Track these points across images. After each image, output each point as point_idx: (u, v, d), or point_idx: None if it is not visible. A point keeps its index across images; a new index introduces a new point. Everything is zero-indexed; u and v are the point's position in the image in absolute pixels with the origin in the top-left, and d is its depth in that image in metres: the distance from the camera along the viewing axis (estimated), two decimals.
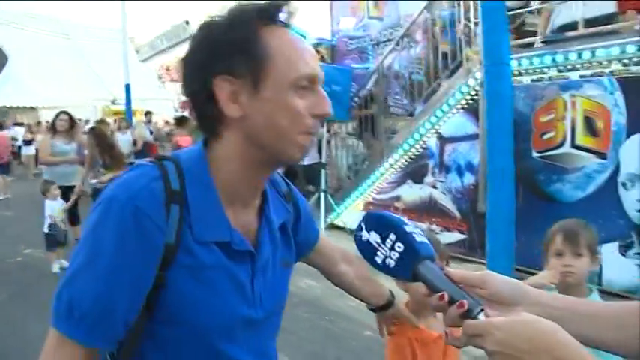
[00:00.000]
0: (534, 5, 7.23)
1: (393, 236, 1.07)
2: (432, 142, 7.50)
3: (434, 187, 7.53)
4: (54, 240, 6.98)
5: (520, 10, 7.22)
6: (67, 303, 1.08)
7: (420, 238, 1.07)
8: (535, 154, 6.15)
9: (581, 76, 5.71)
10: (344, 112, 9.19)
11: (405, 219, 1.12)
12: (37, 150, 18.63)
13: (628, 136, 5.36)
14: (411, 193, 7.94)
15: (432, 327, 2.01)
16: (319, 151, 9.50)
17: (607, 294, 5.34)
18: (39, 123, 25.48)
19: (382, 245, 1.08)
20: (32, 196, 12.22)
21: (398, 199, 8.17)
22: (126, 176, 1.17)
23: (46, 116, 14.73)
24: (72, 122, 8.28)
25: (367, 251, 1.11)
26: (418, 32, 8.59)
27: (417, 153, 7.76)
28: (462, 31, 7.49)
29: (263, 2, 1.19)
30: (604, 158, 5.54)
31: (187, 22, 15.60)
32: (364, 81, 9.53)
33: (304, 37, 1.23)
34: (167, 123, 18.18)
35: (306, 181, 10.19)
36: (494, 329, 0.92)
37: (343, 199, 9.20)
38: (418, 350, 1.95)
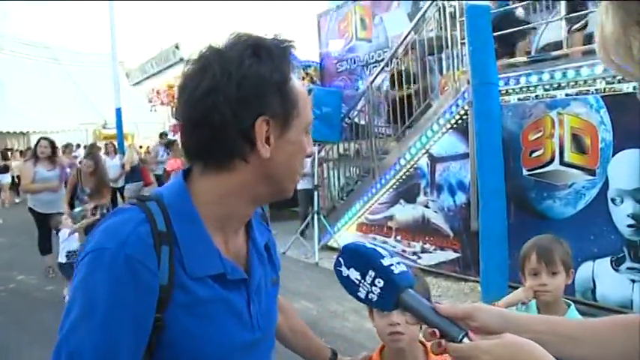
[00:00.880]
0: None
1: (371, 273, 1.11)
2: (423, 162, 7.55)
3: (426, 206, 7.57)
4: (71, 268, 6.85)
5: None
6: (68, 358, 1.07)
7: (398, 269, 1.11)
8: (525, 172, 6.20)
9: (567, 95, 5.79)
10: (335, 134, 9.25)
11: (380, 249, 1.15)
12: (15, 177, 18.58)
13: (615, 153, 5.42)
14: (404, 212, 7.97)
15: None
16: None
17: (601, 309, 5.40)
18: (29, 148, 25.45)
19: (363, 282, 1.12)
20: (24, 221, 12.19)
21: (391, 218, 8.20)
22: (110, 222, 1.15)
23: None
24: (53, 148, 8.20)
25: (349, 287, 1.14)
26: (405, 54, 8.69)
27: (409, 173, 7.81)
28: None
29: (285, 46, 1.20)
30: (593, 175, 5.60)
31: (177, 47, 15.69)
32: (354, 102, 9.61)
33: None
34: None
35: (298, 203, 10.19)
36: (481, 353, 1.01)
37: (336, 220, 9.25)
38: None
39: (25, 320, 6.18)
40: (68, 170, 8.84)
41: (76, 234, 6.63)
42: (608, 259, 5.50)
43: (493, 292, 5.51)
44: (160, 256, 1.11)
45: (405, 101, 8.21)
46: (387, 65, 8.75)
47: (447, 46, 7.59)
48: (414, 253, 7.76)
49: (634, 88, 3.58)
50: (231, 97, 1.12)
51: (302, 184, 9.45)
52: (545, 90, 5.99)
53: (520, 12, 7.31)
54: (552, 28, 6.78)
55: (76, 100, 32.21)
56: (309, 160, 9.75)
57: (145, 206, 1.16)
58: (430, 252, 7.48)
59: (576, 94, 5.71)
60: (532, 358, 0.99)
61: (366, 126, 9.15)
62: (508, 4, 7.35)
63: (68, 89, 33.13)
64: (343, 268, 1.15)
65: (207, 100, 1.13)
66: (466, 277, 7.00)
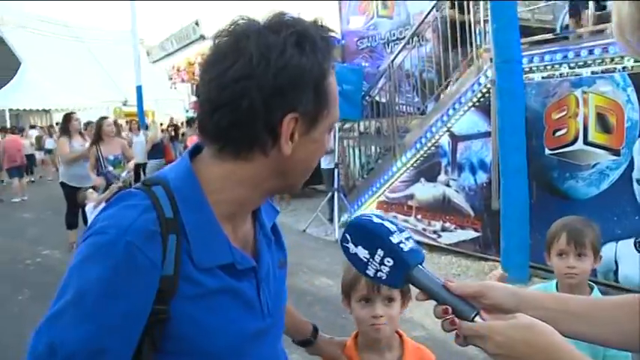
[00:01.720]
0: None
1: (380, 252, 1.07)
2: (445, 141, 7.52)
3: (447, 185, 7.54)
4: None
5: None
6: (48, 344, 1.01)
7: (407, 246, 1.08)
8: (548, 152, 6.14)
9: (592, 73, 5.71)
10: (356, 111, 9.21)
11: (387, 223, 1.10)
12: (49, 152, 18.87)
13: None
14: (424, 191, 7.95)
15: None
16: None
17: (623, 290, 5.34)
18: (51, 126, 25.75)
19: (372, 260, 1.08)
20: (49, 198, 12.39)
21: (411, 197, 8.18)
22: (115, 208, 1.10)
23: (59, 119, 14.94)
24: (86, 123, 8.52)
25: (357, 264, 1.11)
26: (428, 31, 8.61)
27: (430, 151, 7.78)
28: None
29: (329, 39, 1.14)
30: (618, 155, 5.53)
31: (197, 23, 15.61)
32: (375, 80, 9.56)
33: None
34: (173, 126, 18.35)
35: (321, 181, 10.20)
36: (494, 334, 0.99)
37: (357, 198, 9.24)
38: None
39: (51, 294, 6.28)
40: None
41: (101, 207, 6.70)
42: (632, 240, 5.45)
43: (514, 271, 5.48)
44: (167, 245, 1.06)
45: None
46: (408, 43, 8.66)
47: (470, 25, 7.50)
48: (435, 232, 7.75)
49: None
50: (266, 86, 1.05)
51: (325, 163, 9.49)
52: (571, 68, 5.90)
53: None
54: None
55: (97, 78, 32.49)
56: (331, 136, 9.91)
57: (151, 191, 1.10)
58: (450, 231, 7.46)
59: (602, 72, 5.63)
60: (546, 341, 0.97)
61: (387, 104, 9.09)
62: None
63: (89, 67, 33.43)
64: (350, 245, 1.11)
65: (239, 85, 1.05)
66: (486, 257, 6.97)
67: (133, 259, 1.02)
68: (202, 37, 15.42)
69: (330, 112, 1.14)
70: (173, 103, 27.16)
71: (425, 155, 7.87)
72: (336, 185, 9.09)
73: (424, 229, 7.91)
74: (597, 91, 5.67)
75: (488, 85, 6.67)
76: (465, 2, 7.66)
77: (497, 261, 6.50)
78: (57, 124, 20.78)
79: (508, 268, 5.88)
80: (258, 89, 1.05)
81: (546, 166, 6.16)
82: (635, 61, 5.34)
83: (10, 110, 26.26)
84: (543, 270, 6.05)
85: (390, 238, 1.07)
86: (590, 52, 5.71)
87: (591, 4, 6.23)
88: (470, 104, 7.05)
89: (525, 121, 6.08)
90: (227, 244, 1.14)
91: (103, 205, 6.63)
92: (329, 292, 6.10)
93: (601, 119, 5.65)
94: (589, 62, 5.75)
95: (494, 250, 6.65)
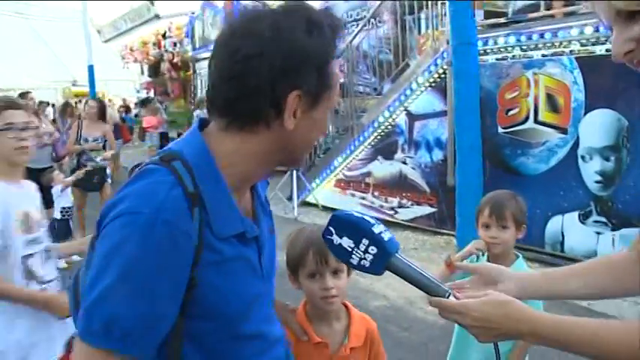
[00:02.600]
0: None
1: (365, 241, 1.21)
2: (402, 120, 7.73)
3: (404, 162, 7.76)
4: (66, 226, 6.70)
5: None
6: (103, 321, 1.07)
7: (387, 236, 1.22)
8: (501, 130, 6.42)
9: (543, 55, 6.01)
10: None
11: (367, 217, 1.24)
12: None
13: (586, 112, 5.67)
14: (382, 169, 8.16)
15: (323, 333, 1.90)
16: None
17: (569, 260, 5.67)
18: None
19: (356, 249, 1.21)
20: None
21: (369, 174, 8.38)
22: (140, 185, 1.15)
23: None
24: (39, 103, 8.36)
25: (341, 254, 1.24)
26: (385, 13, 8.79)
27: (387, 130, 7.98)
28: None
29: (336, 27, 1.23)
30: (565, 133, 5.85)
31: (152, 3, 15.45)
32: None
33: None
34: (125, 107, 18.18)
35: None
36: (470, 310, 1.19)
37: (315, 177, 9.39)
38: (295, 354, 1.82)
39: None
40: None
41: (68, 190, 6.70)
42: (577, 213, 5.79)
43: (468, 245, 5.78)
44: (194, 217, 1.14)
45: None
46: (365, 25, 8.83)
47: (427, 6, 7.73)
48: (392, 208, 7.98)
49: (606, 50, 3.87)
50: (275, 65, 1.14)
51: None
52: (522, 50, 6.20)
53: None
54: None
55: (44, 57, 31.43)
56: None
57: (173, 167, 1.16)
58: (407, 207, 7.71)
59: (552, 55, 5.93)
60: (518, 311, 1.18)
61: (344, 85, 9.26)
62: None
63: (35, 45, 32.29)
64: (335, 237, 1.23)
65: (250, 62, 1.14)
66: (442, 231, 7.27)
67: (172, 235, 1.09)
68: (157, 17, 15.24)
69: (330, 95, 1.24)
70: (124, 84, 26.66)
71: (382, 134, 8.07)
72: None
73: (381, 206, 8.13)
74: (547, 72, 5.96)
75: (445, 67, 6.91)
76: None
77: (453, 235, 6.78)
78: None
79: (462, 241, 6.17)
80: (267, 66, 1.14)
81: (499, 143, 6.44)
82: (582, 45, 5.66)
83: None
84: None
85: (372, 228, 1.22)
86: (541, 35, 6.01)
87: None
88: (427, 84, 7.28)
89: (480, 101, 6.32)
90: (238, 214, 1.24)
91: (69, 190, 6.68)
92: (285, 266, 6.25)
93: (550, 99, 5.95)
94: (539, 45, 6.04)
95: (450, 224, 6.93)
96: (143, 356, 1.13)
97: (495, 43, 6.46)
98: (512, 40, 6.28)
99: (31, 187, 2.66)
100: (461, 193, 6.28)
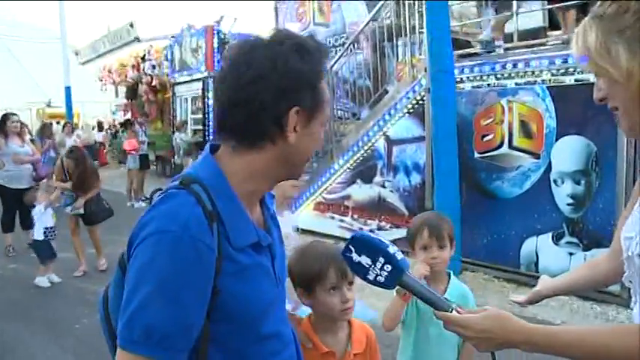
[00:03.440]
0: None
1: (382, 259, 1.38)
2: (380, 144, 7.90)
3: (382, 186, 7.91)
4: (48, 247, 6.73)
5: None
6: (143, 330, 1.20)
7: (399, 255, 1.39)
8: (477, 155, 6.61)
9: (516, 84, 6.26)
10: None
11: (382, 239, 1.42)
12: None
13: (558, 138, 5.90)
14: (361, 192, 8.31)
15: (329, 343, 2.04)
16: None
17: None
18: None
19: (373, 267, 1.38)
20: None
21: (348, 198, 8.51)
22: (165, 207, 1.29)
23: None
24: (21, 124, 8.40)
25: (359, 271, 1.41)
26: (364, 40, 9.01)
27: (366, 154, 8.14)
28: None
29: (321, 49, 1.41)
30: (538, 158, 6.06)
31: (132, 25, 15.56)
32: None
33: None
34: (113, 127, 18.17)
35: None
36: (472, 324, 1.34)
37: (294, 201, 9.39)
38: None
39: (21, 309, 6.12)
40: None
41: (50, 210, 6.74)
42: (550, 234, 5.99)
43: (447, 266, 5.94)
44: (213, 232, 1.27)
45: None
46: (347, 51, 9.04)
47: (405, 34, 7.98)
48: (371, 231, 7.94)
49: (575, 80, 4.15)
50: (274, 86, 1.29)
51: None
52: (497, 79, 6.44)
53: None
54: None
55: (17, 77, 31.16)
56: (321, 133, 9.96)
57: (193, 190, 1.30)
58: (386, 229, 7.84)
59: (525, 84, 6.18)
60: (514, 324, 1.33)
61: None
62: None
63: (7, 66, 31.99)
64: (354, 255, 1.40)
65: (253, 86, 1.30)
66: None
67: (198, 249, 1.23)
68: (137, 39, 15.31)
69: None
70: (99, 106, 26.59)
71: (361, 158, 8.22)
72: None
73: (360, 228, 8.18)
74: (520, 100, 6.20)
75: (423, 93, 7.13)
76: (402, 8, 8.09)
77: None
78: None
79: None
80: (268, 89, 1.29)
81: (475, 168, 6.62)
82: (552, 75, 5.91)
83: None
84: (472, 264, 6.56)
85: (388, 249, 1.39)
86: (514, 65, 6.26)
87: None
88: (405, 110, 7.49)
89: (457, 127, 6.53)
90: (252, 226, 1.39)
91: (50, 211, 6.70)
92: None
93: (524, 126, 6.18)
94: (513, 75, 6.29)
95: None
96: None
97: (471, 71, 6.69)
98: (487, 68, 6.52)
99: None
100: None
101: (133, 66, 16.78)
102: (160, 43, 16.33)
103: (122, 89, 19.59)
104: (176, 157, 14.89)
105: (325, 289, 1.96)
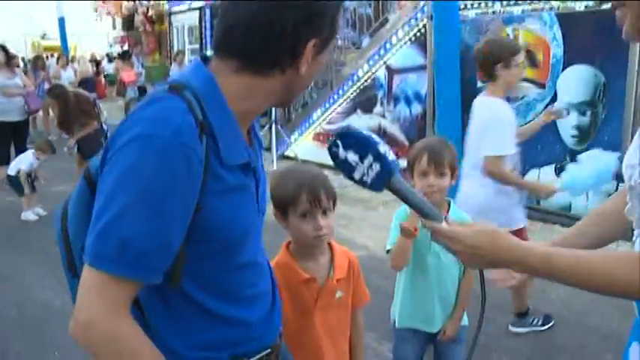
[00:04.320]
0: None
1: (370, 157, 1.23)
2: (381, 74, 7.75)
3: (383, 116, 7.82)
4: (18, 184, 6.72)
5: None
6: (118, 243, 1.08)
7: (391, 156, 1.25)
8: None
9: (523, 11, 6.04)
10: None
11: (374, 135, 1.27)
12: None
13: (564, 68, 5.73)
14: (361, 122, 8.17)
15: (310, 269, 1.97)
16: None
17: (545, 212, 5.89)
18: None
19: (360, 164, 1.24)
20: None
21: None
22: (154, 110, 1.16)
23: None
24: (8, 55, 8.10)
25: (345, 168, 1.26)
26: None
27: (366, 84, 8.00)
28: None
29: None
30: (543, 88, 5.90)
31: None
32: None
33: None
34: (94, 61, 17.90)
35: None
36: (462, 237, 1.25)
37: (293, 130, 9.42)
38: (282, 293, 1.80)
39: (16, 239, 6.15)
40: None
41: (34, 160, 6.69)
42: (552, 166, 5.89)
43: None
44: (202, 145, 1.16)
45: None
46: None
47: None
48: None
49: (585, 7, 3.93)
50: (297, 15, 1.19)
51: None
52: (503, 6, 6.22)
53: None
54: None
55: (11, 9, 30.67)
56: None
57: (184, 95, 1.18)
58: None
59: (532, 11, 5.96)
60: (509, 245, 1.23)
61: None
62: None
63: None
64: (340, 150, 1.25)
65: (277, 10, 1.18)
66: None
67: (189, 159, 1.11)
68: None
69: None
70: (96, 38, 26.17)
71: (361, 88, 8.09)
72: (273, 117, 9.20)
73: None
74: (526, 28, 5.99)
75: (425, 21, 6.92)
76: None
77: None
78: None
79: None
80: (291, 16, 1.18)
81: None
82: (561, 1, 5.68)
83: None
84: None
85: (378, 147, 1.25)
86: None
87: None
88: (406, 39, 7.30)
89: (460, 56, 6.36)
90: (245, 144, 1.29)
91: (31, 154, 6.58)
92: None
93: (529, 55, 5.95)
94: (520, 1, 6.06)
95: None
96: (149, 282, 1.16)
97: None
98: None
99: None
100: None
101: None
102: None
103: (119, 21, 19.23)
104: None
105: (297, 214, 1.88)
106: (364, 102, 8.11)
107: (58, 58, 13.68)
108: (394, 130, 7.69)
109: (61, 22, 17.52)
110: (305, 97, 9.69)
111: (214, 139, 1.19)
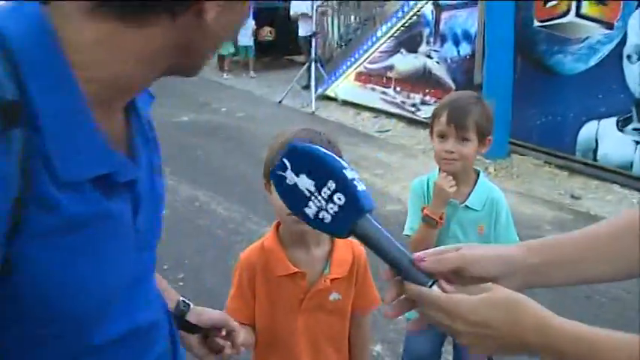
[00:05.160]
0: None
1: (331, 185, 0.84)
2: (428, 10, 7.29)
3: (428, 56, 7.38)
4: None
5: None
6: None
7: (361, 186, 0.86)
8: (537, 23, 5.97)
9: None
10: None
11: (342, 160, 0.88)
12: None
13: (639, 6, 5.15)
14: (405, 62, 7.77)
15: (300, 261, 1.63)
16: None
17: (600, 169, 5.45)
18: None
19: (316, 195, 0.85)
20: None
21: (391, 68, 8.00)
22: None
23: None
24: None
25: (293, 199, 0.87)
26: None
27: (411, 21, 7.56)
28: None
29: None
30: (611, 28, 5.36)
31: None
32: None
33: None
34: None
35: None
36: (466, 312, 0.81)
37: (334, 70, 9.07)
38: (261, 283, 1.64)
39: None
40: None
41: None
42: (615, 119, 5.42)
43: (493, 147, 5.44)
44: (10, 148, 0.66)
45: None
46: None
47: None
48: (413, 105, 7.65)
49: None
50: None
51: (303, 31, 9.79)
52: None
53: None
54: None
55: None
56: (309, 2, 9.27)
57: None
58: (430, 104, 7.25)
59: None
60: (534, 317, 0.81)
61: None
62: None
63: None
64: (288, 174, 0.86)
65: None
66: None
67: None
68: None
69: None
70: None
71: (406, 25, 7.65)
72: (313, 55, 8.87)
73: (403, 102, 7.80)
74: None
75: None
76: None
77: None
78: None
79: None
80: None
81: (534, 38, 6.01)
82: None
83: None
84: (522, 147, 6.15)
85: (344, 171, 0.85)
86: None
87: None
88: None
89: None
90: (102, 143, 0.76)
91: None
92: None
93: None
94: None
95: None
96: None
97: None
98: None
99: None
100: (488, 91, 5.89)
101: None
102: None
103: None
104: None
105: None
106: (409, 40, 7.64)
107: None
108: (440, 71, 7.22)
109: None
110: (349, 34, 9.28)
111: (41, 135, 0.69)
